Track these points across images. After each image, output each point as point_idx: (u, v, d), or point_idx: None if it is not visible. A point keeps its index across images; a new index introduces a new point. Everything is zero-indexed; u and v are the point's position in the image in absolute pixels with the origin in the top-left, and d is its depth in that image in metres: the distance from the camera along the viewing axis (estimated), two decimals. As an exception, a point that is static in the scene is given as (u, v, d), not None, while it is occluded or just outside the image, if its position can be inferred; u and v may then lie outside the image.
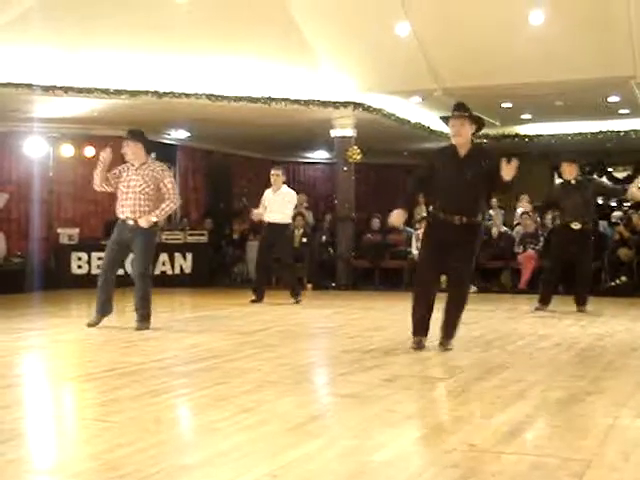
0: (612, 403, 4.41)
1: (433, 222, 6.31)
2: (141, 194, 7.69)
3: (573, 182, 9.49)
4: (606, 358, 6.05)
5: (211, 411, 4.20)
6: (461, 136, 6.15)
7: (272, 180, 10.81)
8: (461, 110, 6.21)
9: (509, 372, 5.38)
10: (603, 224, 14.17)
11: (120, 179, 7.83)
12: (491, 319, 8.88)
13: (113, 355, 6.21)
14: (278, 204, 10.68)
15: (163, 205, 7.74)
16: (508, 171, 5.94)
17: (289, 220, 11.06)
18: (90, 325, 7.88)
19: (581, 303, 9.53)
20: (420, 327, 6.31)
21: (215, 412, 4.16)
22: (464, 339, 7.17)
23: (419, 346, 6.27)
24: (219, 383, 4.97)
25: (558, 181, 10.06)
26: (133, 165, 7.82)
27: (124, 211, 7.77)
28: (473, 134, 6.26)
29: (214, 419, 4.01)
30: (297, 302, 10.72)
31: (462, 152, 6.18)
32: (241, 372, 5.38)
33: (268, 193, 10.87)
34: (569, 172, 9.52)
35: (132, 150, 7.80)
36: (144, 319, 7.89)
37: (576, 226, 9.34)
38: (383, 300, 11.33)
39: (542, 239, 13.00)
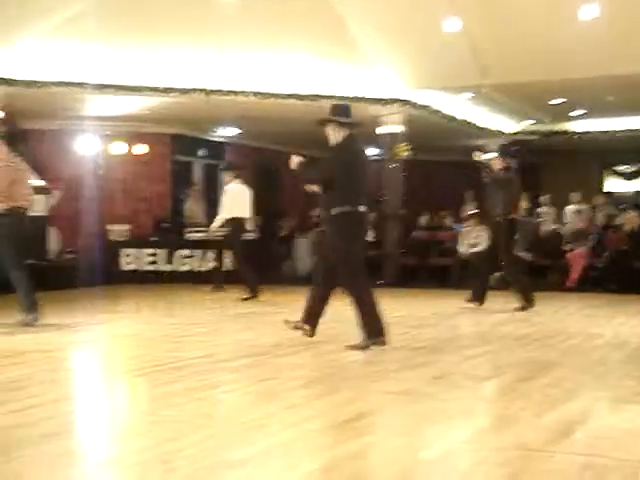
0: (665, 404, 4.33)
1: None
2: None
3: None
4: (659, 358, 5.95)
5: (259, 407, 4.23)
6: None
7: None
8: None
9: (559, 371, 5.32)
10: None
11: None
12: (540, 317, 8.78)
13: (163, 350, 6.28)
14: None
15: None
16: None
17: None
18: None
19: None
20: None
21: (263, 408, 4.18)
22: (512, 337, 7.11)
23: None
24: (267, 379, 5.00)
25: None
26: None
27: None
28: None
29: (262, 415, 4.03)
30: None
31: None
32: (289, 368, 5.40)
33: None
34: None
35: None
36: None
37: None
38: (431, 297, 11.28)
39: (592, 237, 12.85)
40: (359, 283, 6.23)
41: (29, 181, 7.91)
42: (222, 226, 11.19)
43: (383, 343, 6.11)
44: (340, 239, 6.18)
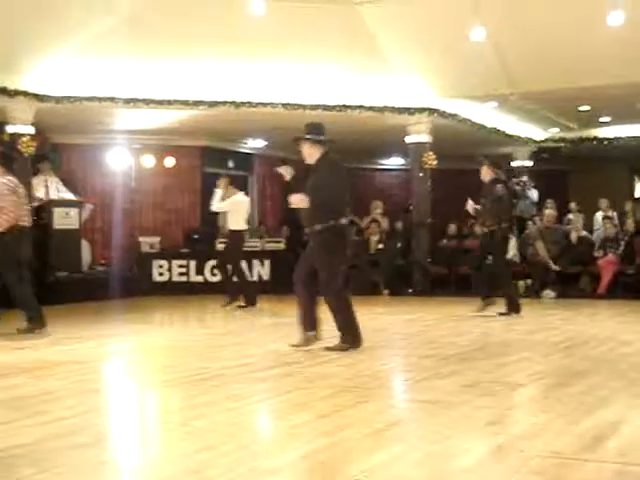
0: (699, 411, 4.30)
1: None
2: None
3: None
4: (693, 365, 5.90)
5: (291, 416, 4.25)
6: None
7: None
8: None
9: (592, 378, 5.29)
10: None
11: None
12: (571, 324, 8.74)
13: (195, 360, 6.33)
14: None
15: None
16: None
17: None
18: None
19: None
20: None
21: (295, 417, 4.21)
22: (544, 344, 7.08)
23: None
24: (298, 388, 5.03)
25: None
26: None
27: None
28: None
29: (294, 424, 4.05)
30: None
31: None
32: (320, 377, 5.43)
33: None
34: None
35: None
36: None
37: None
38: (460, 306, 11.23)
39: (622, 243, 12.76)
40: (335, 290, 6.52)
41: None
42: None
43: (359, 345, 6.55)
44: (324, 252, 6.46)
